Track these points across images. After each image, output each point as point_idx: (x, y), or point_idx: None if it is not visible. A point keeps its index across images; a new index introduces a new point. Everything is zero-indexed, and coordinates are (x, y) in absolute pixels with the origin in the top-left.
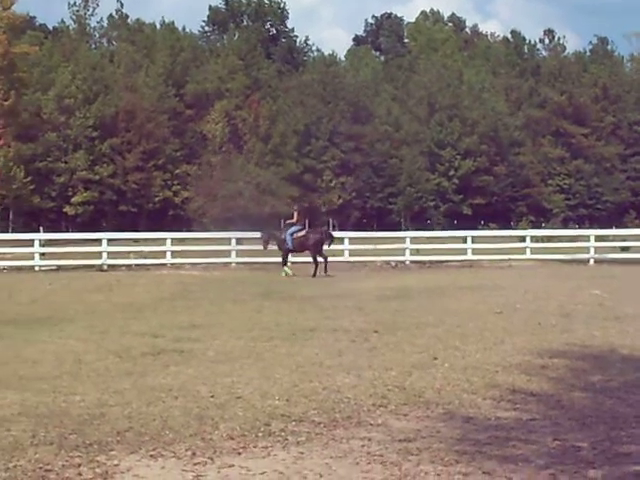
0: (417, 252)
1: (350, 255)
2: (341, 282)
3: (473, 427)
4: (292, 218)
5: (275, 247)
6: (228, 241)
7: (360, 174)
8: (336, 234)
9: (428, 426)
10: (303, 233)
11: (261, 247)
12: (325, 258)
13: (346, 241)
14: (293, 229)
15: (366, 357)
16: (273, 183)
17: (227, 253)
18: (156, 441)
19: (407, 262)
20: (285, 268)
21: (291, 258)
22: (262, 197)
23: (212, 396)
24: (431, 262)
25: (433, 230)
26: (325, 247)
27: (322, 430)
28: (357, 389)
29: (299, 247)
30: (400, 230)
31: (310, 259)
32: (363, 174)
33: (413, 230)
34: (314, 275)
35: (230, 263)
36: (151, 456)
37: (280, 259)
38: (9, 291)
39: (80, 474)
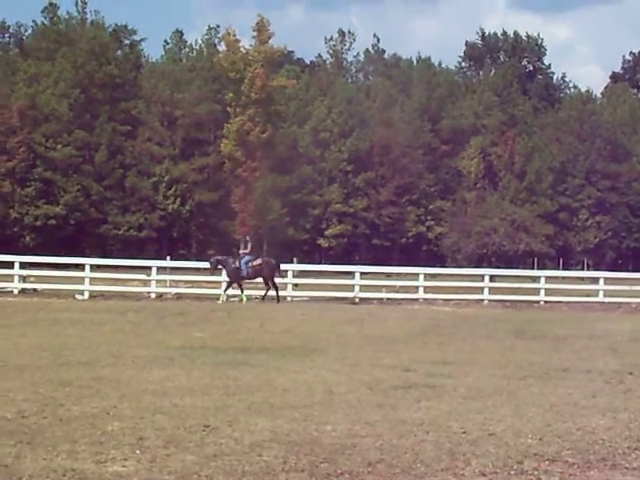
0: None
1: (604, 295)
2: (594, 322)
3: None
4: (245, 249)
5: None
6: (481, 278)
7: (616, 213)
8: (588, 274)
9: None
10: (259, 262)
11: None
12: (277, 287)
13: (601, 281)
14: (247, 258)
15: (621, 399)
16: (528, 220)
17: (480, 290)
18: (407, 474)
19: None
20: (242, 295)
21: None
22: (517, 234)
23: (464, 432)
24: None
25: None
26: (277, 279)
27: (575, 471)
28: (612, 431)
29: (253, 275)
30: None
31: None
32: (619, 214)
33: None
34: (263, 298)
35: (482, 300)
36: None
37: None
38: (261, 320)
39: None
